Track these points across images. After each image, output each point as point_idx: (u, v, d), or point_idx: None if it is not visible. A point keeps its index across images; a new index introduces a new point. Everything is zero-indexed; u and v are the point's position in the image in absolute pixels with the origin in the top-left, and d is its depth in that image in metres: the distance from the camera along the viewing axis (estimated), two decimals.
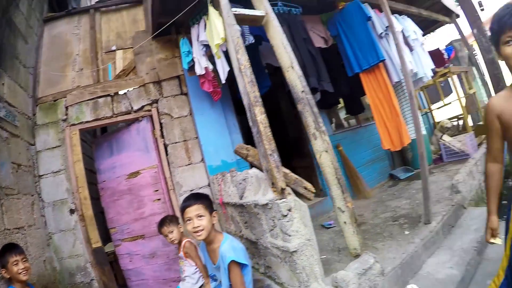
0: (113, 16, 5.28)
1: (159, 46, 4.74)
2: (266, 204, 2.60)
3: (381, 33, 4.28)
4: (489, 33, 1.70)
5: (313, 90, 3.79)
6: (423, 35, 7.92)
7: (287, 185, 2.61)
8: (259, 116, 2.56)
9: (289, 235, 2.46)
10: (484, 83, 6.19)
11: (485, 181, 1.82)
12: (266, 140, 2.54)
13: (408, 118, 4.39)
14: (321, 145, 2.75)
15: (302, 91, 2.84)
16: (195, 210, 2.31)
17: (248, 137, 3.42)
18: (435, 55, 7.61)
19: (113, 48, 5.05)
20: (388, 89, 4.12)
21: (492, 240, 1.81)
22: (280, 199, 2.49)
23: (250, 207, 2.93)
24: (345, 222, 2.84)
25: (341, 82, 4.78)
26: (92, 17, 5.08)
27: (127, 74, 4.81)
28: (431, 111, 8.60)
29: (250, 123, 2.65)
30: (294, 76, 2.89)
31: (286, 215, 2.46)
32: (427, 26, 7.50)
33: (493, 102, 1.69)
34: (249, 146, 3.10)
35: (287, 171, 2.68)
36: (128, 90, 4.56)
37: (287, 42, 2.98)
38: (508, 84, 1.74)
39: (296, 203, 2.51)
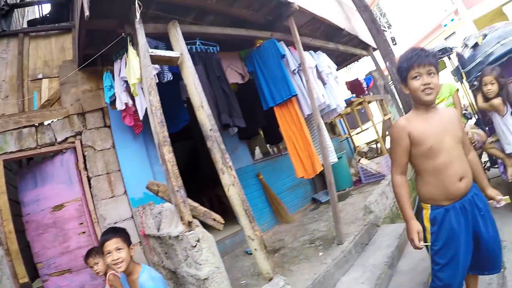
0: (41, 42, 5.21)
1: (84, 77, 4.72)
2: (178, 236, 2.75)
3: (294, 69, 4.58)
4: (397, 72, 2.04)
5: (226, 126, 4.02)
6: (344, 67, 8.54)
7: (196, 218, 2.78)
8: (167, 155, 2.73)
9: (200, 264, 2.63)
10: (398, 109, 6.82)
11: (396, 192, 2.03)
12: (174, 177, 2.70)
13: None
14: (228, 179, 2.95)
15: (211, 129, 3.04)
16: (114, 243, 2.41)
17: None
18: (355, 84, 8.25)
19: (40, 76, 4.98)
20: (300, 121, 4.38)
21: (422, 244, 1.91)
22: (189, 231, 2.66)
23: (166, 239, 3.05)
24: (255, 249, 3.03)
25: (259, 115, 5.06)
26: (21, 41, 4.96)
27: (52, 104, 4.76)
28: (351, 136, 9.23)
29: (160, 161, 2.81)
30: (204, 115, 3.09)
31: (195, 246, 2.64)
32: (346, 59, 8.04)
33: (404, 122, 1.99)
34: (159, 182, 3.24)
35: (196, 204, 2.84)
36: (52, 121, 4.50)
37: (199, 82, 3.18)
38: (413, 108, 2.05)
39: (204, 234, 2.70)
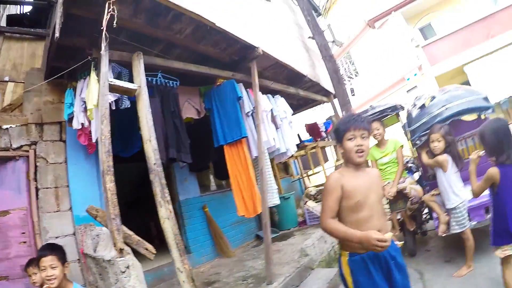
0: (14, 44, 5.22)
1: (48, 88, 4.76)
2: (110, 260, 2.90)
3: (248, 112, 4.81)
4: (334, 132, 2.30)
5: (173, 160, 4.20)
6: (307, 109, 8.87)
7: (130, 246, 2.93)
8: (108, 184, 2.89)
9: None
10: None
11: (334, 229, 2.12)
12: (112, 205, 2.87)
13: (269, 187, 4.79)
14: (165, 213, 3.13)
15: (155, 164, 3.23)
16: (49, 260, 2.54)
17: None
18: (313, 128, 8.63)
19: (6, 78, 4.99)
20: (247, 162, 4.58)
21: (388, 234, 1.99)
22: (120, 258, 2.82)
23: (100, 261, 3.16)
24: (183, 281, 3.16)
25: (211, 149, 5.17)
26: None
27: (13, 109, 4.77)
28: (303, 177, 9.59)
29: (103, 188, 2.95)
30: (150, 149, 3.28)
31: (124, 272, 2.81)
32: (308, 102, 8.36)
33: (338, 175, 2.21)
34: (99, 208, 3.38)
35: (131, 233, 3.00)
36: (11, 126, 4.50)
37: (151, 117, 3.37)
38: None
39: (134, 262, 2.86)
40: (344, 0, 18.07)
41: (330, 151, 9.53)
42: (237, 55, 4.92)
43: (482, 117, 4.32)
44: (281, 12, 7.26)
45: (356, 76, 18.67)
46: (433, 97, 4.59)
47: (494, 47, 13.50)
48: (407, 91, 15.35)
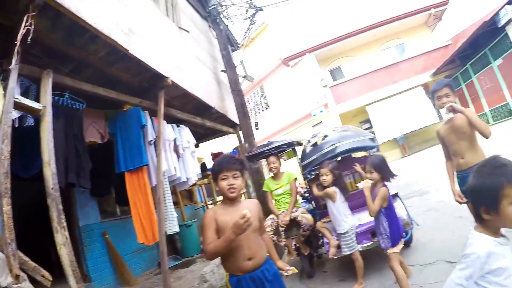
0: None
1: None
2: (6, 287, 2.81)
3: (151, 140, 4.90)
4: (212, 172, 2.50)
5: (72, 185, 4.11)
6: (211, 139, 9.18)
7: (26, 272, 2.87)
8: (5, 207, 2.82)
9: None
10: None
11: (214, 246, 2.28)
12: (8, 230, 2.80)
13: (168, 214, 4.92)
14: (61, 239, 3.11)
15: (52, 188, 3.22)
16: None
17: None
18: (218, 157, 9.05)
19: None
20: (146, 190, 4.61)
21: (245, 210, 2.17)
22: (16, 284, 2.75)
23: None
24: None
25: (113, 174, 5.04)
26: None
27: None
28: (206, 205, 9.86)
29: None
30: (49, 173, 3.26)
31: None
32: (216, 132, 8.52)
33: (211, 212, 2.42)
34: None
35: (27, 259, 2.96)
36: None
37: (52, 139, 3.35)
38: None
39: None
40: (262, 38, 19.12)
41: None
42: (147, 83, 5.00)
43: (371, 154, 4.80)
44: (198, 43, 7.52)
45: (266, 109, 19.63)
46: (325, 136, 5.02)
47: (394, 91, 15.44)
48: (313, 126, 16.60)
